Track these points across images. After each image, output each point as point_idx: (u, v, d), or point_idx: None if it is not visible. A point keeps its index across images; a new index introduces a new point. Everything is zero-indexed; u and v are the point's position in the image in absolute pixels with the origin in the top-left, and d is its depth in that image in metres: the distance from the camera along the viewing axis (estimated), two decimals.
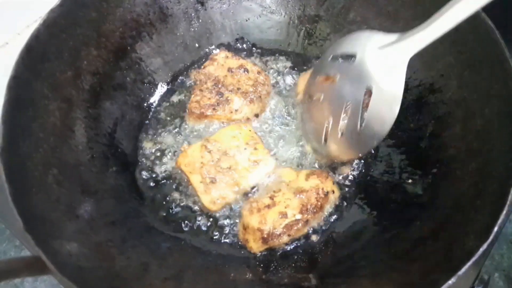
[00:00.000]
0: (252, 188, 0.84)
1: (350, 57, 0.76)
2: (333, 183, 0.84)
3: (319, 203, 0.79)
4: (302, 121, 0.92)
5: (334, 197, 0.83)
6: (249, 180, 0.84)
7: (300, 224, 0.77)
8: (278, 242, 0.77)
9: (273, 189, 0.81)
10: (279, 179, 0.84)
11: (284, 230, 0.76)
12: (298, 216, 0.77)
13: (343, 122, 0.78)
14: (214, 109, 0.90)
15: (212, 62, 0.97)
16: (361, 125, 0.75)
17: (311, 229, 0.81)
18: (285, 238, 0.77)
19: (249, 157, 0.85)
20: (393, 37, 0.71)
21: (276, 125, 0.94)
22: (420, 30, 0.67)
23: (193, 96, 0.93)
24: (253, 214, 0.77)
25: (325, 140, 0.82)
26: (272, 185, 0.83)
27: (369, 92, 0.73)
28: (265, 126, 0.94)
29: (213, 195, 0.81)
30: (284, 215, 0.76)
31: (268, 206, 0.77)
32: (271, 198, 0.78)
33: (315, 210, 0.78)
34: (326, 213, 0.82)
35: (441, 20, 0.65)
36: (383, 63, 0.72)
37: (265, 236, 0.75)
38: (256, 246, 0.77)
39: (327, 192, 0.80)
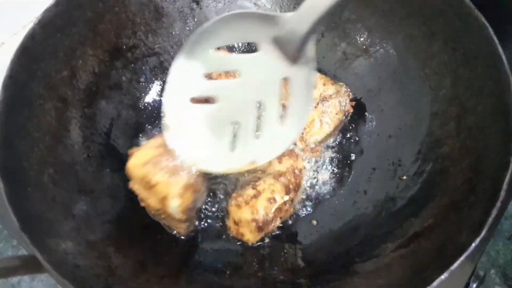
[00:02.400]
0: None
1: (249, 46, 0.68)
2: (302, 160, 0.86)
3: (297, 181, 0.82)
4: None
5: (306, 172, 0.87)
6: None
7: (287, 205, 0.80)
8: (272, 227, 0.79)
9: (250, 181, 0.82)
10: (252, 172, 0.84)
11: (276, 214, 0.78)
12: (286, 198, 0.79)
13: (258, 122, 0.71)
14: None
15: None
16: (282, 119, 0.69)
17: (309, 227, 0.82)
18: (277, 222, 0.79)
19: None
20: (284, 16, 0.62)
21: None
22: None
23: None
24: (241, 208, 0.78)
25: (233, 148, 0.72)
26: (247, 178, 0.84)
27: (284, 83, 0.67)
28: None
29: None
30: (273, 200, 0.78)
31: (255, 196, 0.78)
32: (254, 188, 0.79)
33: (295, 189, 0.81)
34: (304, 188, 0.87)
35: None
36: (292, 47, 0.63)
37: (260, 224, 0.77)
38: (253, 237, 0.78)
39: (301, 169, 0.84)
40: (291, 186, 0.81)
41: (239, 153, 0.73)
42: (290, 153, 0.85)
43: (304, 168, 0.86)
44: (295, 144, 0.89)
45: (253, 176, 0.83)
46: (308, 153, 0.90)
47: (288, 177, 0.81)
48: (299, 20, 0.60)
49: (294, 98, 0.67)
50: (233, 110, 0.71)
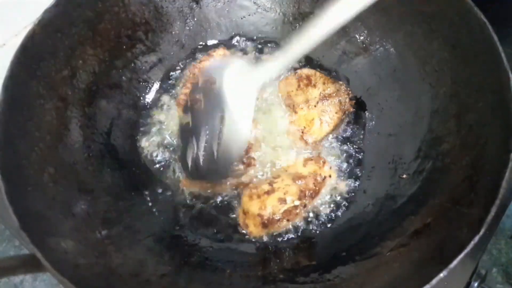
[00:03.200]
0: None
1: (212, 81, 0.80)
2: (330, 168, 0.86)
3: (316, 188, 0.82)
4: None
5: (330, 181, 0.85)
6: None
7: (298, 210, 0.80)
8: (277, 227, 0.79)
9: (272, 175, 0.84)
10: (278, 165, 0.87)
11: (283, 215, 0.79)
12: (297, 202, 0.79)
13: (203, 145, 0.79)
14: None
15: (208, 57, 0.97)
16: (217, 151, 0.77)
17: (308, 225, 0.82)
18: (284, 223, 0.80)
19: None
20: (249, 67, 0.79)
21: None
22: (269, 62, 0.76)
23: (183, 88, 0.93)
24: (253, 200, 0.80)
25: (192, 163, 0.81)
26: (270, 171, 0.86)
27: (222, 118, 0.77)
28: None
29: None
30: (283, 201, 0.79)
31: (268, 193, 0.80)
32: (270, 184, 0.81)
33: (312, 195, 0.81)
34: (323, 197, 0.85)
35: (285, 53, 0.74)
36: (236, 90, 0.76)
37: (265, 221, 0.78)
38: (256, 231, 0.80)
39: (324, 177, 0.83)
40: (307, 192, 0.80)
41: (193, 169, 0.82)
42: (317, 158, 0.85)
43: (330, 176, 0.85)
44: (295, 144, 0.89)
45: (275, 172, 0.85)
46: (310, 149, 0.90)
47: (307, 182, 0.81)
48: (259, 72, 0.77)
49: (226, 137, 0.77)
50: (193, 130, 0.83)
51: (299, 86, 0.94)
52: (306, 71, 0.96)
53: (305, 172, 0.83)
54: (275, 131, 0.92)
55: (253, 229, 0.80)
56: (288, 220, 0.80)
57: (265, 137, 0.91)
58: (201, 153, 0.78)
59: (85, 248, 0.66)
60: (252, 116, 0.77)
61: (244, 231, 0.82)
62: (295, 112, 0.92)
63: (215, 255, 0.79)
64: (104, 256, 0.68)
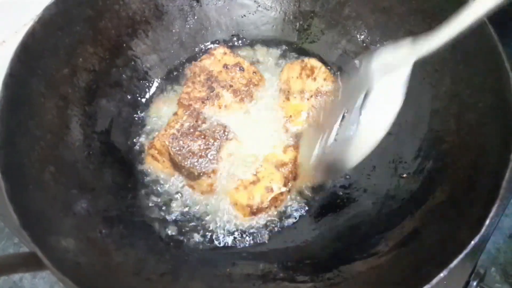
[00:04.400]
0: None
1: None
2: None
3: (297, 170, 0.85)
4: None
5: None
6: None
7: (284, 196, 0.83)
8: (265, 213, 0.83)
9: (254, 166, 0.86)
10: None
11: (271, 202, 0.82)
12: (283, 189, 0.83)
13: (337, 129, 0.74)
14: (203, 102, 0.90)
15: (209, 56, 0.97)
16: (355, 130, 0.70)
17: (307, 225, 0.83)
18: (272, 210, 0.83)
19: None
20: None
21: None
22: (427, 37, 0.66)
23: (184, 87, 0.93)
24: (240, 192, 0.82)
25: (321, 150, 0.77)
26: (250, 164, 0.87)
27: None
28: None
29: None
30: (270, 189, 0.82)
31: (254, 183, 0.82)
32: (254, 174, 0.84)
33: (295, 178, 0.85)
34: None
35: (446, 28, 0.65)
36: (385, 64, 0.67)
37: (255, 210, 0.81)
38: (245, 219, 0.83)
39: None
40: (290, 176, 0.83)
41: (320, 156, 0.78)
42: (295, 145, 0.88)
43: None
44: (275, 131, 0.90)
45: (255, 162, 0.86)
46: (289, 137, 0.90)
47: (289, 169, 0.84)
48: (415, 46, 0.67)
49: (368, 111, 0.69)
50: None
51: (300, 74, 0.94)
52: (313, 61, 0.96)
53: (286, 159, 0.85)
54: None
55: (242, 219, 0.82)
56: (275, 207, 0.83)
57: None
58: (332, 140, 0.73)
59: (86, 246, 0.66)
60: (402, 92, 0.66)
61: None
62: (287, 99, 0.93)
63: (214, 254, 0.79)
64: (105, 254, 0.68)
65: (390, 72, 0.67)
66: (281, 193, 0.83)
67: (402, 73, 0.67)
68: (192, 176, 0.84)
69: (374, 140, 0.71)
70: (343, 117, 0.72)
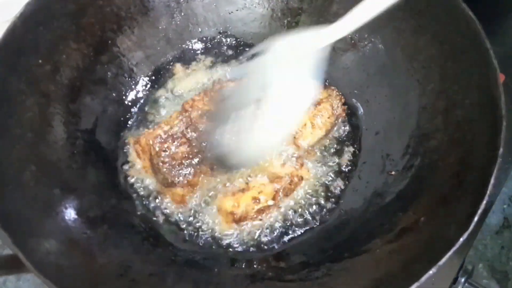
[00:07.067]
0: None
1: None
2: (308, 170, 0.85)
3: (292, 187, 0.81)
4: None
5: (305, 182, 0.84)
6: None
7: (271, 209, 0.80)
8: (249, 223, 0.79)
9: (248, 172, 0.83)
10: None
11: (256, 214, 0.79)
12: (271, 202, 0.79)
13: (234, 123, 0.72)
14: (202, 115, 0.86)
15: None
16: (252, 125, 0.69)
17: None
18: (256, 221, 0.79)
19: None
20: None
21: None
22: (328, 27, 0.65)
23: (195, 95, 0.87)
24: (227, 197, 0.79)
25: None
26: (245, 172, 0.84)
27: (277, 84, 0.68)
28: None
29: None
30: (257, 200, 0.78)
31: (243, 190, 0.80)
32: (246, 182, 0.81)
33: (287, 194, 0.81)
34: (310, 194, 0.84)
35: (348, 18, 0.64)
36: (285, 56, 0.66)
37: (237, 219, 0.78)
38: (226, 226, 0.79)
39: (301, 178, 0.83)
40: (281, 192, 0.80)
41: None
42: (297, 159, 0.84)
43: (304, 178, 0.84)
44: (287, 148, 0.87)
45: (251, 171, 0.83)
46: (305, 156, 0.88)
47: (282, 184, 0.80)
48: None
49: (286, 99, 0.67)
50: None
51: None
52: None
53: (282, 173, 0.82)
54: None
55: (224, 225, 0.79)
56: (260, 219, 0.79)
57: None
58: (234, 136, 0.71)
59: (69, 248, 0.65)
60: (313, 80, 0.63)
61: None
62: None
63: (202, 254, 0.78)
64: (88, 256, 0.66)
65: (291, 65, 0.65)
66: (268, 206, 0.79)
67: (304, 66, 0.64)
68: (165, 183, 0.81)
69: (276, 137, 0.71)
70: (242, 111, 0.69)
